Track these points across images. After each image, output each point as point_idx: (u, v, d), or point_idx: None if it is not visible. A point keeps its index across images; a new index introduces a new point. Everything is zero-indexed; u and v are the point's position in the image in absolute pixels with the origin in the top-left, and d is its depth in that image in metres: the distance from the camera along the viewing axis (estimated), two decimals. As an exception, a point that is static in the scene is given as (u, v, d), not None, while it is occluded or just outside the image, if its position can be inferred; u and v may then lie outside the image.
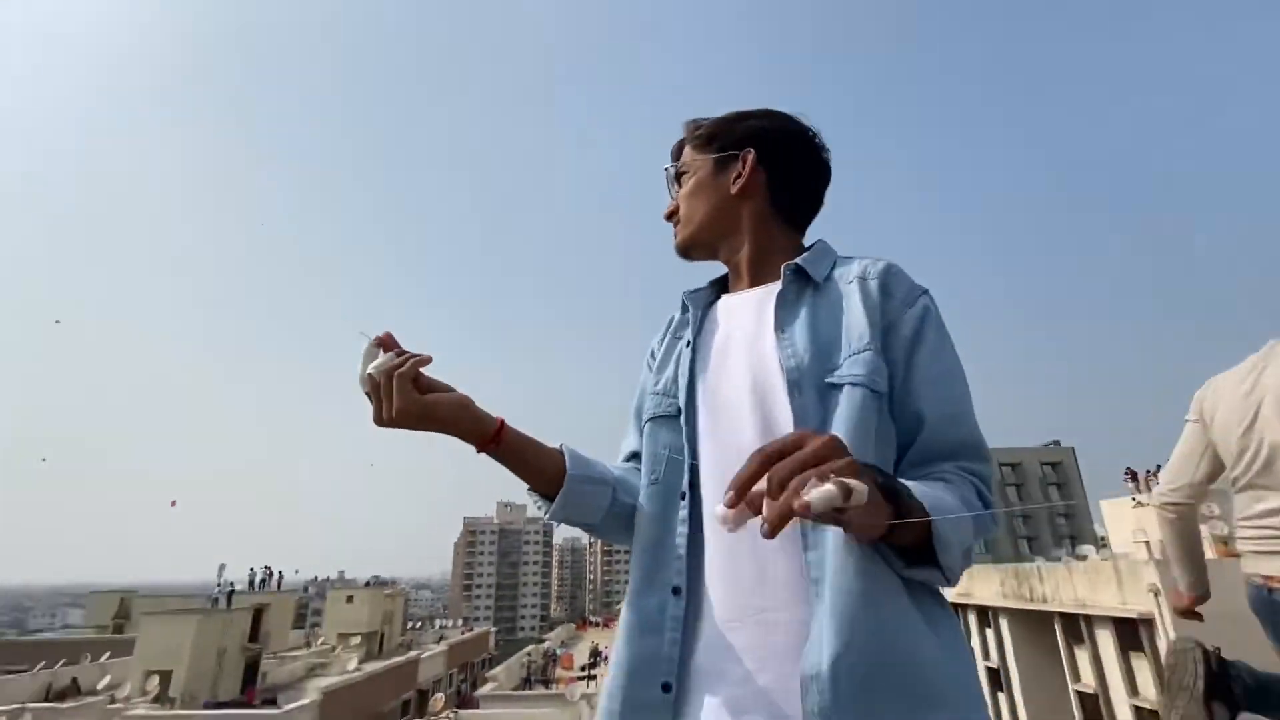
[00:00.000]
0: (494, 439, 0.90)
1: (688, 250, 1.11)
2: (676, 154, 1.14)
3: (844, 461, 0.60)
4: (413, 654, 33.66)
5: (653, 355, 1.13)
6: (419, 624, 54.74)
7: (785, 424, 0.85)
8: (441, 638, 42.37)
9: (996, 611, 20.87)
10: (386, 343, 0.88)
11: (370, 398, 0.86)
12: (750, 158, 1.04)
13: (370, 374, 0.84)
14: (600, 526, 1.00)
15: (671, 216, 1.12)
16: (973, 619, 20.80)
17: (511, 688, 25.92)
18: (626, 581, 0.95)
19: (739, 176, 1.04)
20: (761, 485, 0.59)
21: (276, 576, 36.30)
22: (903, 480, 0.72)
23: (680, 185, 1.11)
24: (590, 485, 0.97)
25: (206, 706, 21.98)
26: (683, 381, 0.98)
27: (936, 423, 0.86)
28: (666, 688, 0.80)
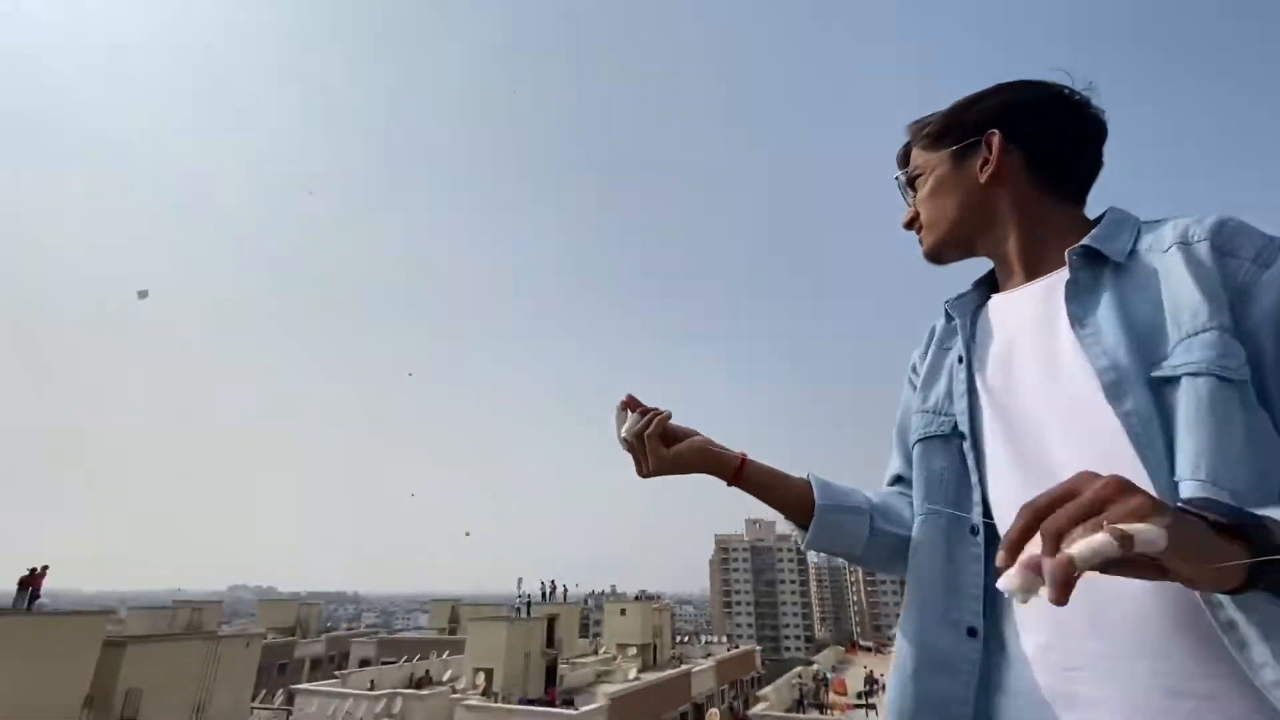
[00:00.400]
0: (736, 475, 0.96)
1: (939, 253, 1.01)
2: (903, 160, 1.06)
3: (1130, 504, 0.48)
4: (685, 667, 35.00)
5: (914, 371, 1.04)
6: (685, 638, 56.95)
7: (1110, 436, 0.70)
8: (709, 654, 43.44)
9: None
10: (630, 404, 0.99)
11: (631, 455, 0.97)
12: (996, 140, 0.92)
13: (624, 437, 0.97)
14: (863, 556, 0.96)
15: (912, 224, 1.03)
16: None
17: (783, 709, 25.30)
18: (895, 606, 0.78)
19: (986, 163, 0.92)
20: (1037, 543, 0.51)
21: (562, 590, 40.94)
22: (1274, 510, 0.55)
23: (915, 190, 1.02)
24: (843, 515, 0.94)
25: (520, 703, 25.42)
26: (959, 400, 0.89)
27: None
28: None
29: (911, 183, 1.02)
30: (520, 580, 37.26)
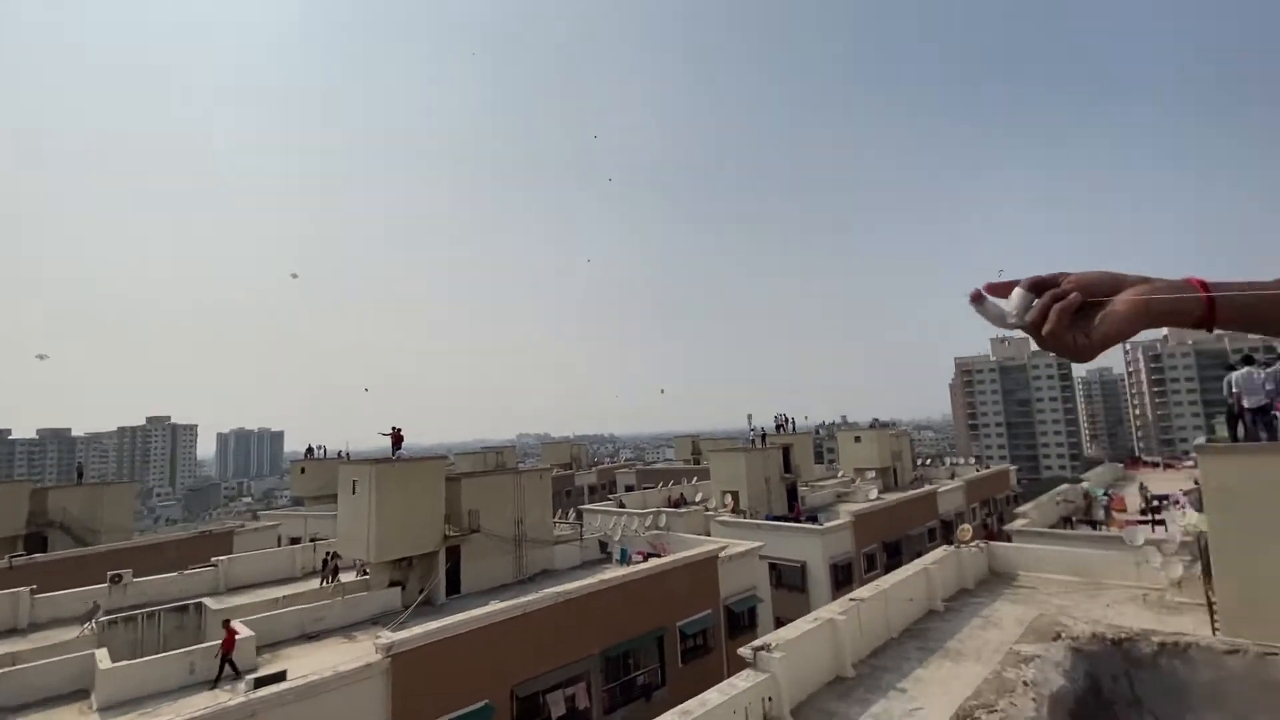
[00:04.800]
0: (1206, 320, 0.74)
1: None
2: None
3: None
4: (930, 487, 34.94)
5: None
6: (928, 460, 56.10)
7: None
8: (954, 474, 42.49)
9: None
10: (1036, 285, 0.81)
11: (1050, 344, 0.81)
12: None
13: (1029, 325, 0.81)
14: None
15: None
16: None
17: (1046, 526, 24.16)
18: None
19: None
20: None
21: (791, 422, 42.47)
22: None
23: None
24: None
25: (767, 519, 28.05)
26: None
27: None
28: None
29: None
30: (750, 416, 39.53)
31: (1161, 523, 19.48)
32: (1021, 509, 25.28)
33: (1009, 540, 19.59)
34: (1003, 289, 0.81)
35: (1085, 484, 29.26)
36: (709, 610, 18.61)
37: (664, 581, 17.69)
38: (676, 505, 33.53)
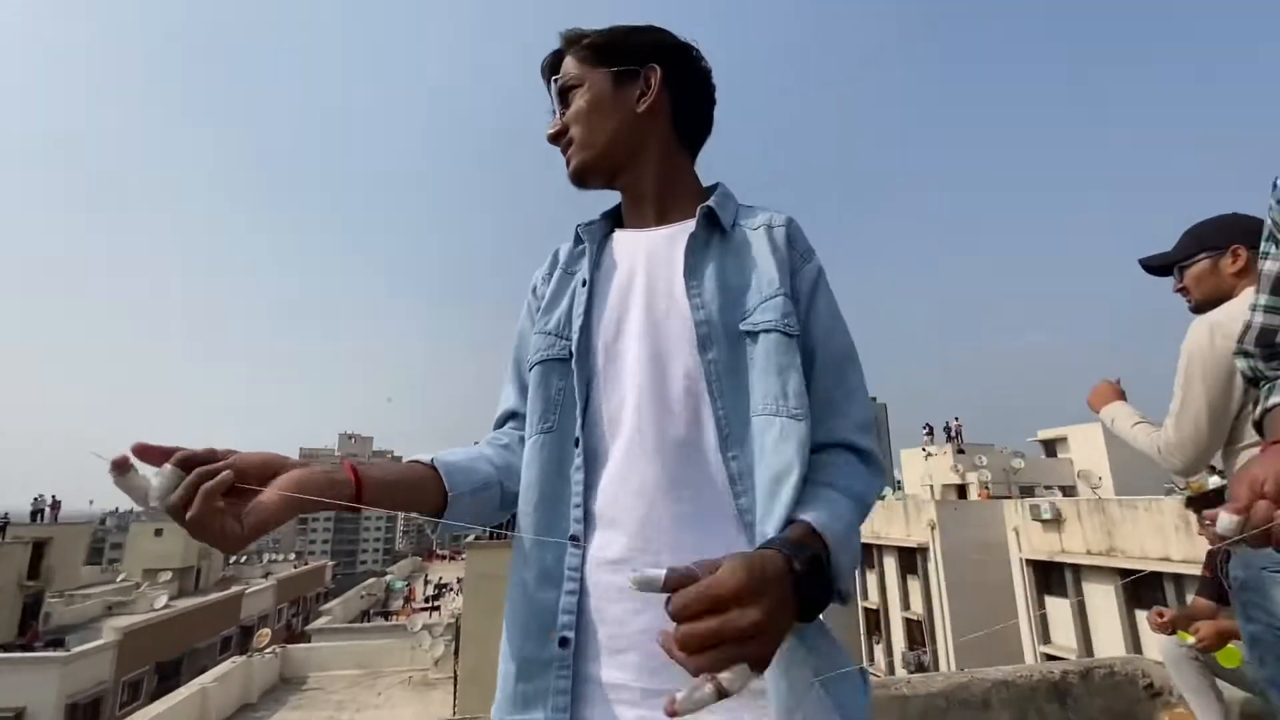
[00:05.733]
0: (358, 496, 0.73)
1: (585, 176, 0.96)
2: (553, 66, 0.98)
3: (745, 648, 0.53)
4: (235, 589, 31.36)
5: (535, 293, 1.00)
6: (244, 558, 50.83)
7: (693, 377, 0.82)
8: (269, 573, 39.85)
9: (810, 543, 23.81)
10: (145, 453, 0.64)
11: (195, 528, 0.65)
12: (657, 75, 0.93)
13: (162, 505, 0.63)
14: (489, 521, 0.91)
15: (560, 138, 0.96)
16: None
17: (348, 621, 25.22)
18: None
19: (643, 95, 0.93)
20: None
21: (50, 505, 31.03)
22: (804, 520, 0.69)
23: (566, 102, 0.96)
24: (476, 496, 0.85)
25: (-31, 651, 19.03)
26: (577, 322, 0.88)
27: (832, 395, 0.84)
28: (564, 642, 0.75)
29: (563, 93, 0.96)
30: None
31: (439, 608, 23.34)
32: (328, 606, 25.67)
33: (309, 640, 19.38)
34: (158, 456, 0.64)
35: (389, 576, 32.30)
36: None
37: None
38: None
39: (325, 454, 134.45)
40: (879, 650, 21.49)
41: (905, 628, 20.47)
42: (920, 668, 18.03)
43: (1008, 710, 2.53)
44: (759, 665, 0.54)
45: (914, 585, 20.04)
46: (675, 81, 0.95)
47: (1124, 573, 14.05)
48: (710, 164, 1.04)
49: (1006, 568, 17.58)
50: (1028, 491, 23.76)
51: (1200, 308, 1.73)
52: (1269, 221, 0.99)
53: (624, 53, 0.94)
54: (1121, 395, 1.99)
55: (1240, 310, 1.17)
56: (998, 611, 16.88)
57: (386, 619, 25.84)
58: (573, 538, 0.79)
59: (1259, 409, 1.00)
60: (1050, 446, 29.30)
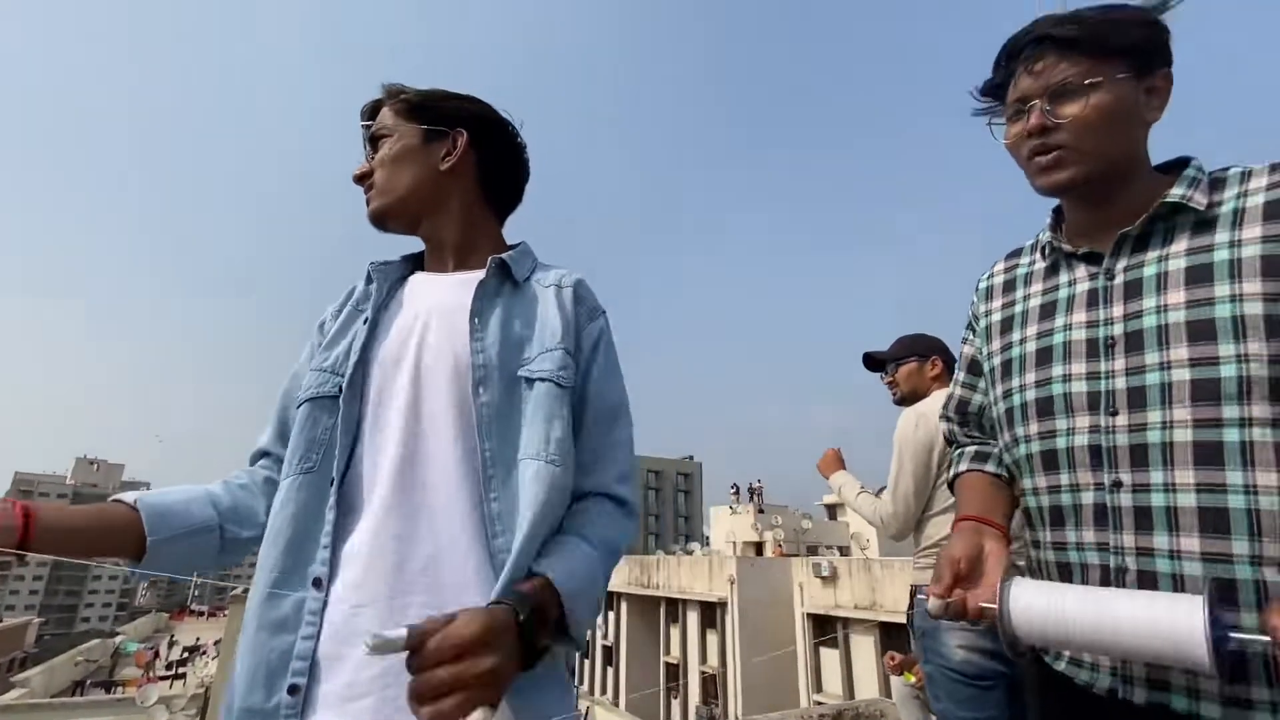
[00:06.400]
0: (25, 537, 0.72)
1: (384, 220, 1.03)
2: (371, 113, 1.05)
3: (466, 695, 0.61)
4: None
5: (322, 329, 1.01)
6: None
7: (468, 420, 0.84)
8: (-61, 634, 30.55)
9: (620, 596, 24.07)
10: None
11: None
12: (464, 139, 1.02)
13: None
14: (211, 566, 0.90)
15: (364, 180, 1.03)
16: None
17: (54, 693, 19.92)
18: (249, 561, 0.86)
19: (449, 154, 1.01)
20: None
21: None
22: (540, 573, 0.76)
23: (376, 149, 1.02)
24: (187, 541, 0.84)
25: None
26: (353, 359, 0.88)
27: (599, 447, 0.91)
28: (294, 689, 0.72)
29: (375, 140, 1.03)
30: None
31: (184, 676, 19.48)
32: (22, 676, 20.33)
33: (-15, 723, 15.04)
34: None
35: (120, 638, 26.60)
36: None
37: None
38: None
39: (50, 481, 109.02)
40: (675, 705, 22.00)
41: (701, 682, 21.28)
42: (711, 721, 18.73)
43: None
44: (492, 708, 0.61)
45: (712, 639, 21.03)
46: (483, 148, 1.04)
47: (883, 625, 16.07)
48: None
49: (792, 622, 19.18)
50: (813, 550, 26.37)
51: (904, 400, 2.21)
52: (970, 312, 1.19)
53: (435, 114, 1.02)
54: (843, 464, 2.43)
55: (937, 405, 1.51)
56: (784, 662, 18.26)
57: (109, 690, 20.95)
58: (315, 581, 0.77)
59: (951, 472, 1.20)
60: (832, 510, 33.07)
